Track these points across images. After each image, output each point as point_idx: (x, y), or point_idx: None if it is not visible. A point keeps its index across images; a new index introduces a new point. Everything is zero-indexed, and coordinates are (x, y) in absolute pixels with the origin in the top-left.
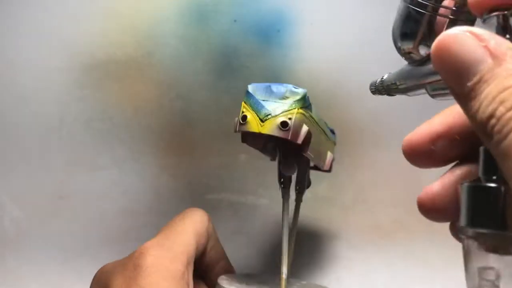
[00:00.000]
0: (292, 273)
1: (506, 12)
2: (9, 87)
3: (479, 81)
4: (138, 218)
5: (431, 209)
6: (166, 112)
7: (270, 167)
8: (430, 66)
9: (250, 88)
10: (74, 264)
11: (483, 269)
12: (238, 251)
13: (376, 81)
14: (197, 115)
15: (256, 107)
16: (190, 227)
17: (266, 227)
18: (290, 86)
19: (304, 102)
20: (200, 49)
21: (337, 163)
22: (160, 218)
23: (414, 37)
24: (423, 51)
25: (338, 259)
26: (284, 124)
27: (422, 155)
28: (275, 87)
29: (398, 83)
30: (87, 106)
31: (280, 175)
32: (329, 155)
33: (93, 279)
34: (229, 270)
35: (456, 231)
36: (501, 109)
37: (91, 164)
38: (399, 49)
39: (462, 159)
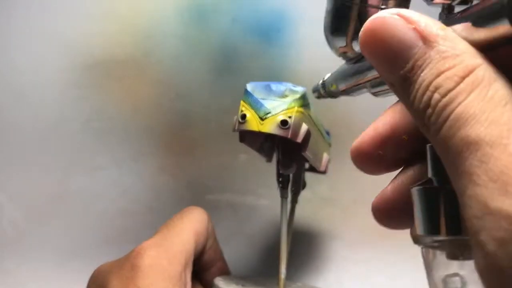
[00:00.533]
0: (291, 274)
1: (450, 1)
2: (8, 87)
3: (412, 68)
4: (138, 218)
5: (385, 216)
6: (166, 112)
7: (270, 168)
8: (366, 62)
9: (249, 86)
10: (73, 265)
11: (447, 277)
12: (238, 251)
13: (318, 85)
14: (197, 115)
15: (256, 106)
16: (189, 226)
17: (266, 227)
18: (289, 85)
19: (304, 101)
20: (200, 48)
21: (338, 163)
22: (160, 219)
23: (346, 33)
24: (357, 47)
25: (338, 259)
26: (284, 123)
27: (372, 162)
28: (275, 86)
29: (338, 85)
30: (86, 106)
31: (279, 175)
32: (325, 156)
33: (90, 279)
34: (225, 271)
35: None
36: (436, 97)
37: (90, 164)
38: (333, 48)
39: (414, 159)
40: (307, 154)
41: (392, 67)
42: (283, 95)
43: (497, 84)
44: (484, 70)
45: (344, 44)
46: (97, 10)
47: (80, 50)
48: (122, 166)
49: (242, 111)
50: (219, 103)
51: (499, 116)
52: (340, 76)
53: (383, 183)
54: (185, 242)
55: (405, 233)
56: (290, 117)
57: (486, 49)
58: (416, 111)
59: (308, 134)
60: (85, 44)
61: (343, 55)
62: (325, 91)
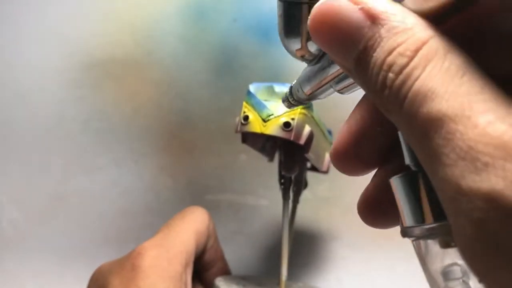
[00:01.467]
0: (292, 274)
1: None
2: (7, 87)
3: (364, 49)
4: (137, 218)
5: (371, 216)
6: (166, 111)
7: (270, 168)
8: (326, 59)
9: (252, 88)
10: (73, 265)
11: (446, 269)
12: (238, 251)
13: (286, 95)
14: (197, 115)
15: (258, 107)
16: (190, 226)
17: (266, 227)
18: None
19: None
20: (200, 48)
21: None
22: (159, 219)
23: (299, 34)
24: (313, 48)
25: (338, 259)
26: (287, 125)
27: (351, 162)
28: (278, 87)
29: (303, 89)
30: (85, 106)
31: (281, 176)
32: (327, 156)
33: (90, 279)
34: (226, 271)
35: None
36: (391, 76)
37: (90, 165)
38: (290, 52)
39: (394, 153)
40: (310, 155)
41: (345, 52)
42: None
43: (452, 55)
44: (437, 41)
45: (300, 46)
46: (97, 10)
47: (80, 50)
48: (122, 166)
49: (244, 112)
50: (219, 103)
51: (458, 87)
52: (304, 79)
53: None
54: (186, 243)
55: None
56: (293, 119)
57: (438, 20)
58: (375, 95)
59: (311, 136)
60: (85, 44)
61: (301, 58)
62: (293, 98)
